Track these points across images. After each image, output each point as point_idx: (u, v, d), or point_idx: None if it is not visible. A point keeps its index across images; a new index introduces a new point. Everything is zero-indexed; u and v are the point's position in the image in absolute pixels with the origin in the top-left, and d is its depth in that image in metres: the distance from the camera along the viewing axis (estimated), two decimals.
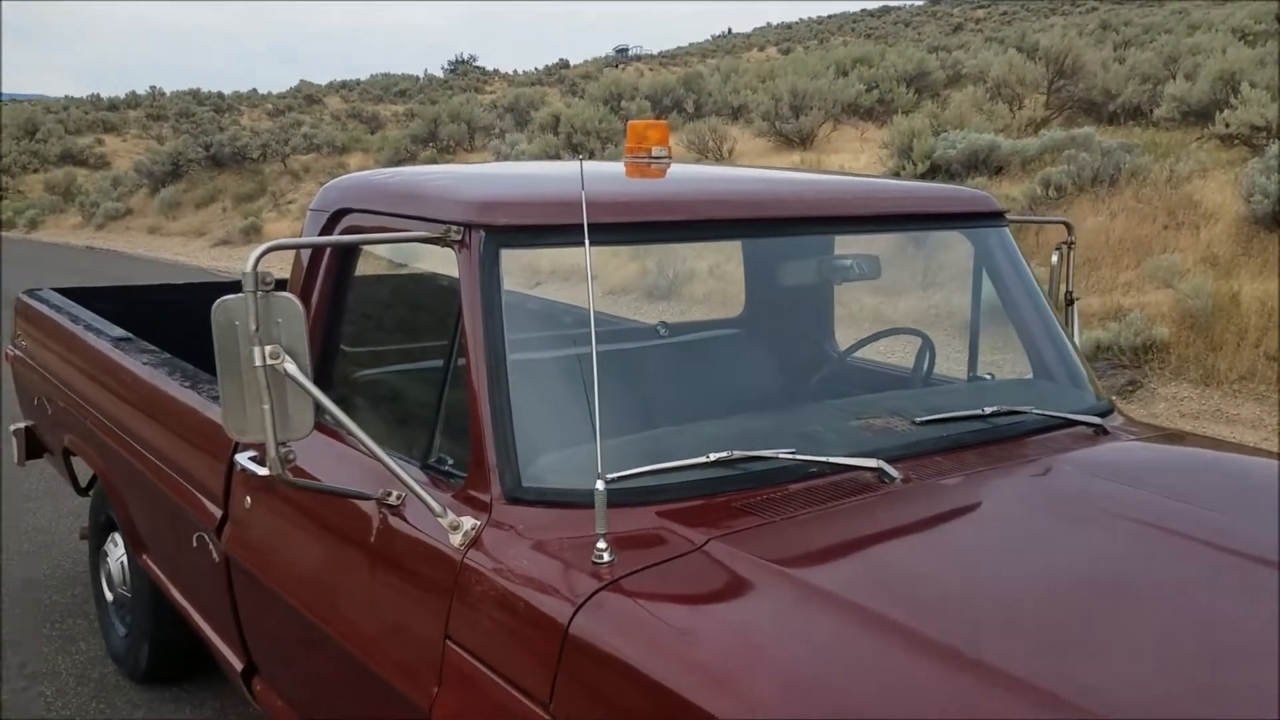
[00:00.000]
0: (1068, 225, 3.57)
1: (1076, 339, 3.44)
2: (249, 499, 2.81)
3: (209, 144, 29.74)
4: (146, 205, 28.30)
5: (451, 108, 27.83)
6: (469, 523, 2.09)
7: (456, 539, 2.09)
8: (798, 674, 1.62)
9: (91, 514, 4.43)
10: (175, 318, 4.43)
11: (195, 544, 3.10)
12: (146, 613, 3.93)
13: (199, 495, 3.09)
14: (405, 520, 2.25)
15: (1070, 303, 3.50)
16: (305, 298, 2.72)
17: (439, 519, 2.10)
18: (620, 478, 2.03)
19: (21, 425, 4.96)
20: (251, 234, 22.65)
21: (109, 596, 4.23)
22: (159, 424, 3.48)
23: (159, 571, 3.64)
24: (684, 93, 27.43)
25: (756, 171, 3.25)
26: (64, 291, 5.00)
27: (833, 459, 2.22)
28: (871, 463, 2.23)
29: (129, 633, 4.11)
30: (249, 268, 2.00)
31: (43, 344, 4.64)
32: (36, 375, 4.65)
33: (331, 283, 2.71)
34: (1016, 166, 14.09)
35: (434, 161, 24.00)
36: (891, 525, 2.09)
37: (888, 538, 2.05)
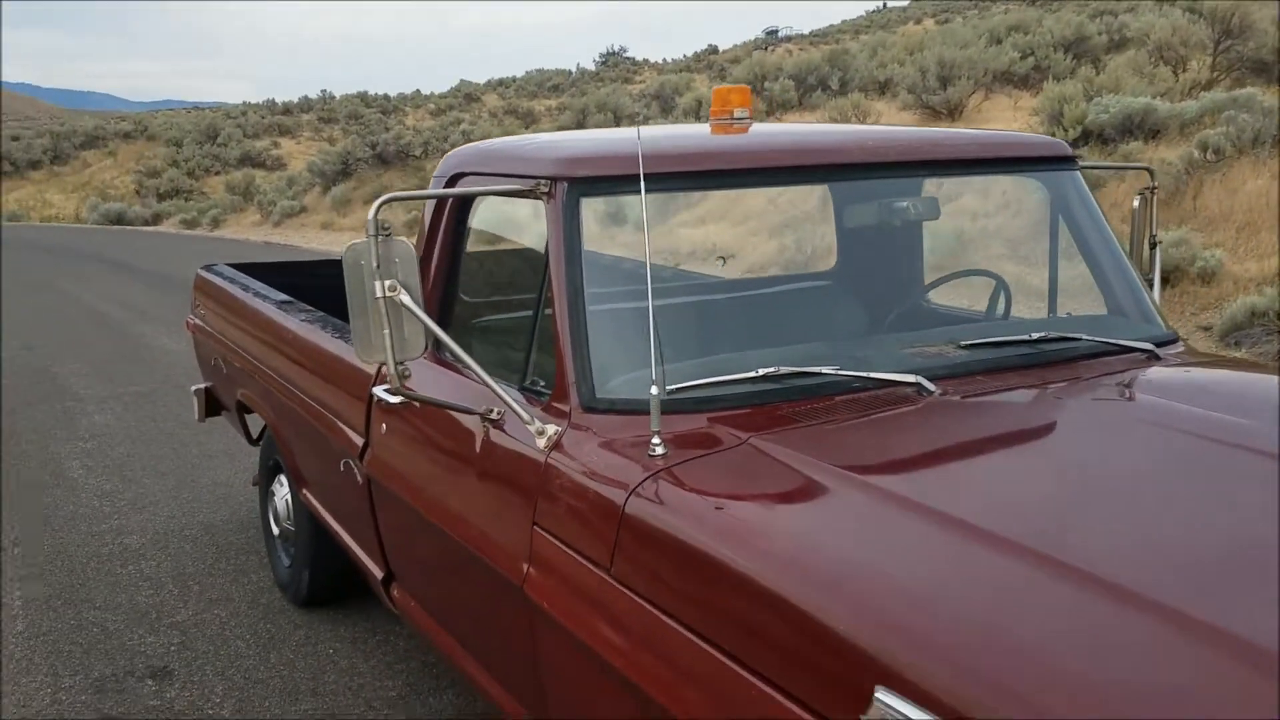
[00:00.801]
0: (1150, 171, 3.68)
1: (1158, 281, 3.57)
2: (384, 425, 3.24)
3: (375, 143, 31.20)
4: (319, 203, 29.90)
5: (599, 99, 28.43)
6: (552, 429, 2.44)
7: (541, 442, 2.44)
8: (809, 533, 1.90)
9: (261, 461, 5.00)
10: (329, 289, 4.94)
11: (343, 470, 3.56)
12: (306, 543, 4.45)
13: (345, 428, 3.55)
14: (504, 431, 2.62)
15: (1154, 246, 3.63)
16: (429, 251, 3.12)
17: (528, 426, 2.46)
18: (676, 389, 2.35)
19: (201, 386, 5.59)
20: (413, 225, 23.75)
21: (275, 531, 4.79)
22: (314, 372, 3.96)
23: (316, 502, 4.13)
24: (829, 70, 27.28)
25: (834, 126, 3.49)
26: (235, 266, 5.61)
27: (872, 374, 2.48)
28: (910, 378, 2.48)
29: (292, 563, 4.65)
30: (370, 216, 2.40)
31: (217, 312, 5.23)
32: (212, 340, 5.25)
33: (450, 237, 3.10)
34: (1174, 130, 13.63)
35: None
36: (920, 428, 2.34)
37: (915, 436, 2.30)
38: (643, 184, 2.36)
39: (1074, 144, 14.85)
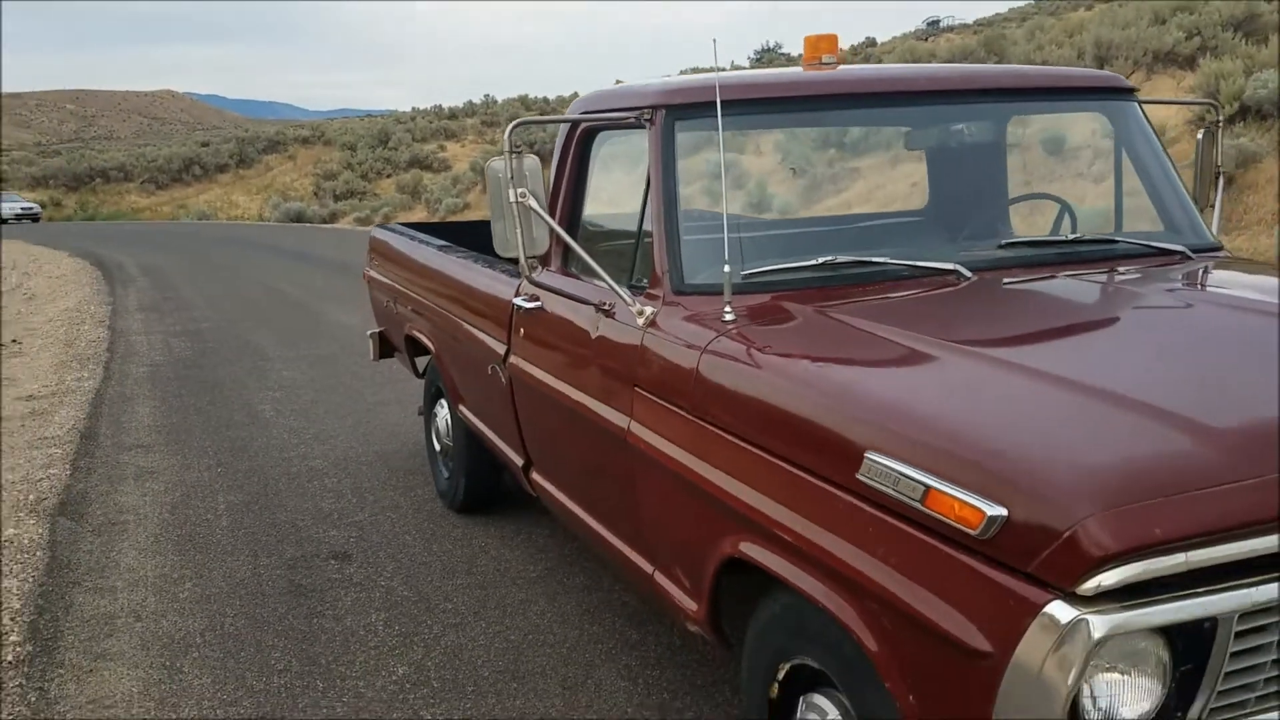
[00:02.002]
0: (1215, 106, 4.02)
1: (1219, 207, 3.90)
2: (522, 330, 3.88)
3: (533, 143, 32.43)
4: (481, 200, 31.31)
5: None
6: (649, 309, 3.01)
7: (640, 321, 3.01)
8: (838, 368, 2.42)
9: (425, 391, 5.74)
10: (477, 245, 5.62)
11: (490, 374, 4.22)
12: (462, 455, 5.14)
13: (490, 338, 4.20)
14: (613, 319, 3.20)
15: (1218, 176, 3.95)
16: (559, 177, 3.74)
17: (630, 309, 3.04)
18: (748, 273, 2.90)
19: (375, 331, 6.39)
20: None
21: (437, 448, 5.51)
22: (466, 299, 4.64)
23: (469, 414, 4.81)
24: (985, 55, 27.00)
25: (911, 65, 3.95)
26: (401, 224, 6.40)
27: (916, 262, 2.96)
28: (949, 265, 2.95)
29: (450, 474, 5.36)
30: (505, 137, 3.02)
31: (388, 262, 6.00)
32: (384, 287, 6.03)
33: (575, 166, 3.71)
34: None
35: None
36: (949, 298, 2.82)
37: (942, 302, 2.79)
38: (719, 105, 2.89)
39: (1230, 120, 14.54)
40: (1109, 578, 1.67)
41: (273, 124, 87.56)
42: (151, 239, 28.50)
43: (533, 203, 3.03)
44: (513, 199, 3.01)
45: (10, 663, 3.90)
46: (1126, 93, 3.69)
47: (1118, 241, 3.25)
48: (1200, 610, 1.70)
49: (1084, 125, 4.12)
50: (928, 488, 1.92)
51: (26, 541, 5.11)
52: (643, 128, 3.22)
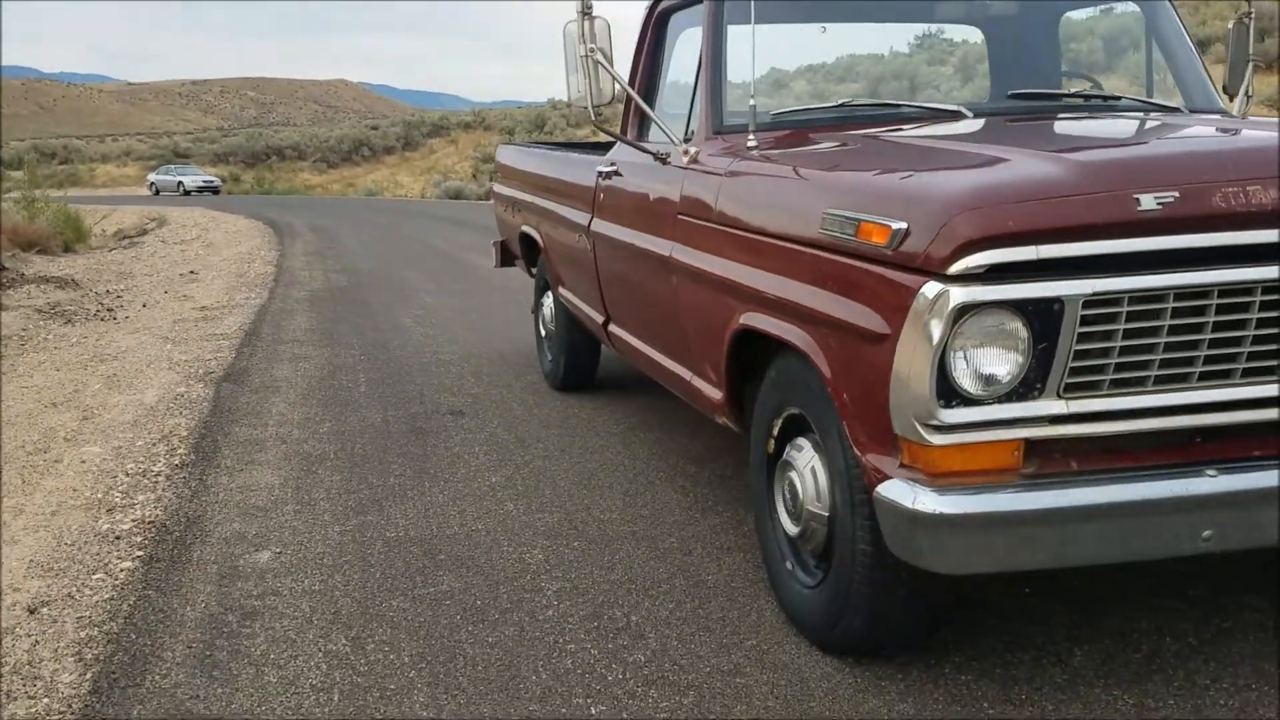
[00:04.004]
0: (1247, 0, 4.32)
1: (1243, 89, 4.22)
2: (601, 196, 4.50)
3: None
4: None
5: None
6: (693, 148, 3.58)
7: (685, 160, 3.59)
8: (816, 165, 2.95)
9: (536, 285, 6.42)
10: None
11: (577, 242, 4.86)
12: (562, 337, 5.80)
13: (579, 213, 4.84)
14: (667, 163, 3.78)
15: (1248, 63, 4.27)
16: (638, 55, 4.32)
17: (677, 148, 3.61)
18: (776, 113, 3.43)
19: (498, 240, 7.12)
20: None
21: (542, 333, 6.20)
22: (563, 188, 5.29)
23: (566, 292, 5.46)
24: (1142, 31, 26.34)
25: None
26: (517, 147, 7.11)
27: (925, 104, 3.45)
28: (953, 106, 3.43)
29: (553, 357, 6.03)
30: (580, 0, 3.61)
31: (508, 176, 6.71)
32: (505, 199, 6.74)
33: (651, 50, 4.30)
34: None
35: None
36: (946, 125, 3.30)
37: (934, 128, 3.27)
38: None
39: None
40: (972, 260, 2.16)
41: (438, 111, 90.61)
42: (320, 208, 30.32)
43: (599, 57, 3.63)
44: (583, 53, 3.61)
45: (178, 465, 4.75)
46: None
47: (1120, 98, 3.65)
48: (1046, 291, 2.17)
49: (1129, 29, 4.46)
50: (859, 221, 2.44)
51: (195, 397, 6.01)
52: (699, 2, 3.78)
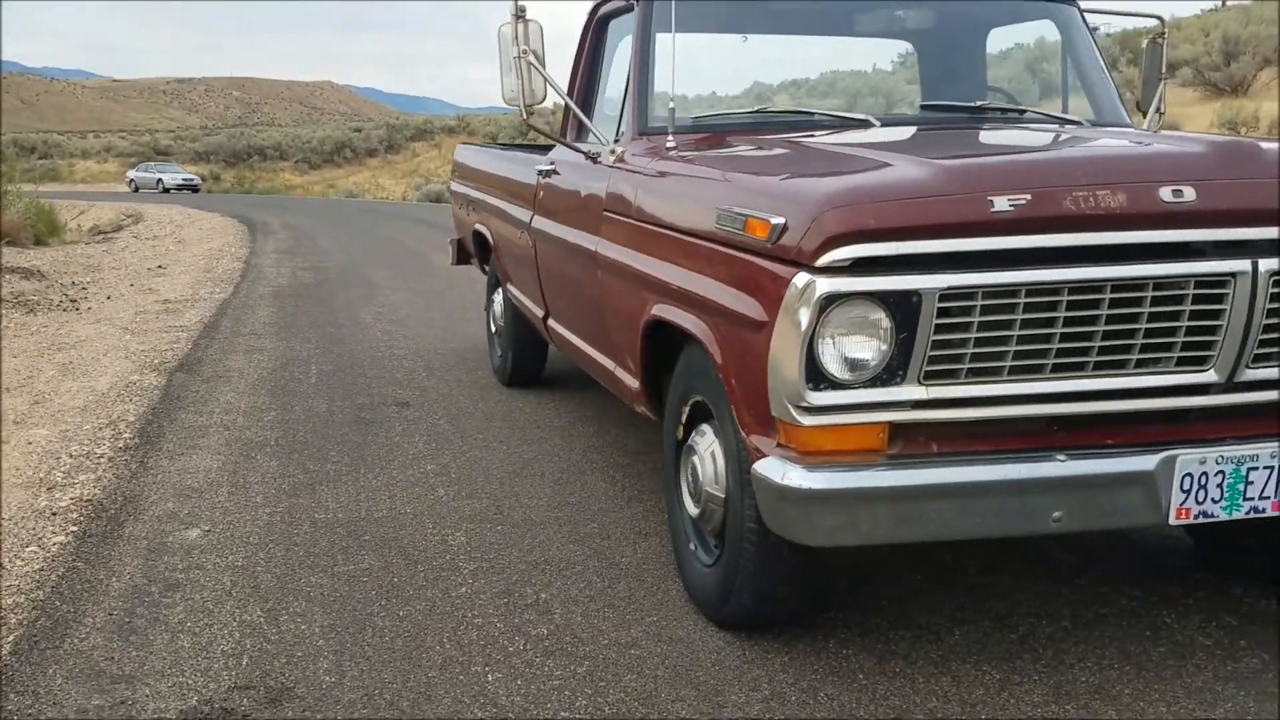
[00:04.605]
0: (1161, 19, 4.52)
1: (1154, 105, 4.40)
2: (540, 194, 4.64)
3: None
4: None
5: None
6: (620, 148, 3.73)
7: (611, 159, 3.73)
8: (719, 164, 3.10)
9: (488, 282, 6.55)
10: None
11: (519, 240, 4.99)
12: (509, 332, 5.93)
13: (522, 210, 4.98)
14: (599, 163, 3.92)
15: (1161, 79, 4.46)
16: (577, 61, 4.47)
17: (605, 148, 3.76)
18: (696, 117, 3.58)
19: (454, 238, 7.25)
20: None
21: (492, 329, 6.33)
22: (509, 186, 5.43)
23: (513, 289, 5.60)
24: (1118, 51, 26.68)
25: None
26: (471, 144, 7.26)
27: (834, 113, 3.60)
28: (861, 116, 3.59)
29: (501, 352, 6.16)
30: (513, 3, 3.75)
31: (464, 176, 6.85)
32: (460, 197, 6.87)
33: (590, 53, 4.44)
34: None
35: None
36: (850, 133, 3.45)
37: (839, 135, 3.43)
38: None
39: None
40: (837, 254, 2.32)
41: (422, 115, 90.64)
42: (298, 207, 30.33)
43: (532, 59, 3.77)
44: (515, 54, 3.76)
45: (122, 448, 4.85)
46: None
47: (1025, 110, 3.82)
48: (905, 284, 2.32)
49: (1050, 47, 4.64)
50: (746, 217, 2.59)
51: (147, 385, 6.11)
52: (631, 9, 3.93)
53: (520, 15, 3.75)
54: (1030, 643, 2.96)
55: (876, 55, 5.17)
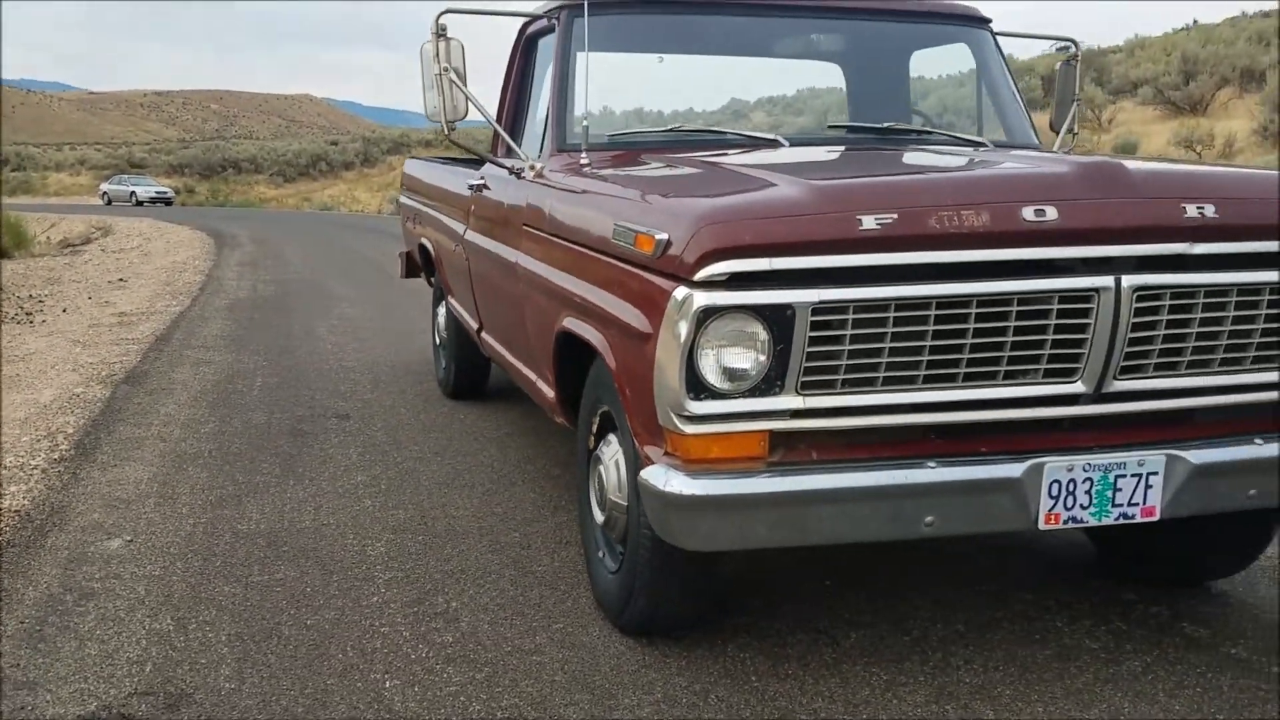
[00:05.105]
0: (1074, 42, 4.64)
1: (1065, 127, 4.51)
2: (473, 207, 4.71)
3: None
4: None
5: None
6: (539, 164, 3.80)
7: (531, 174, 3.81)
8: (622, 182, 3.18)
9: (434, 295, 6.61)
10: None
11: (455, 251, 5.06)
12: (452, 344, 5.99)
13: (458, 224, 5.04)
14: (521, 178, 4.00)
15: (1074, 101, 4.57)
16: (508, 77, 4.54)
17: (525, 163, 3.83)
18: (613, 134, 3.66)
19: (403, 251, 7.30)
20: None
21: (437, 342, 6.38)
22: (447, 198, 5.49)
23: (454, 302, 5.66)
24: (1083, 70, 27.03)
25: None
26: (422, 160, 7.32)
27: (744, 133, 3.69)
28: (771, 135, 3.67)
29: (445, 364, 6.21)
30: (434, 21, 3.82)
31: (411, 189, 6.91)
32: (409, 210, 6.93)
33: (520, 69, 4.52)
34: None
35: None
36: (759, 152, 3.54)
37: (750, 154, 3.51)
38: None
39: None
40: (714, 269, 2.39)
41: (399, 129, 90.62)
42: (270, 220, 30.30)
43: (453, 76, 3.84)
44: (437, 71, 3.82)
45: (56, 460, 4.88)
46: (983, 21, 4.34)
47: (930, 132, 3.92)
48: (779, 298, 2.40)
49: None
50: (636, 232, 2.66)
51: (91, 397, 6.13)
52: (553, 29, 4.01)
53: (441, 33, 3.82)
54: (922, 645, 3.04)
55: (818, 77, 5.27)
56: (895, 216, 2.42)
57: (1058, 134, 4.50)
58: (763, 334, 2.44)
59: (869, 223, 2.41)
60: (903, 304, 2.45)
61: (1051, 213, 2.46)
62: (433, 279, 6.62)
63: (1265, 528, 3.29)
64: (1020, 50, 33.16)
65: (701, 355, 2.44)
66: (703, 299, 2.39)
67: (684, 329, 2.41)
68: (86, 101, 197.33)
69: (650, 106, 4.64)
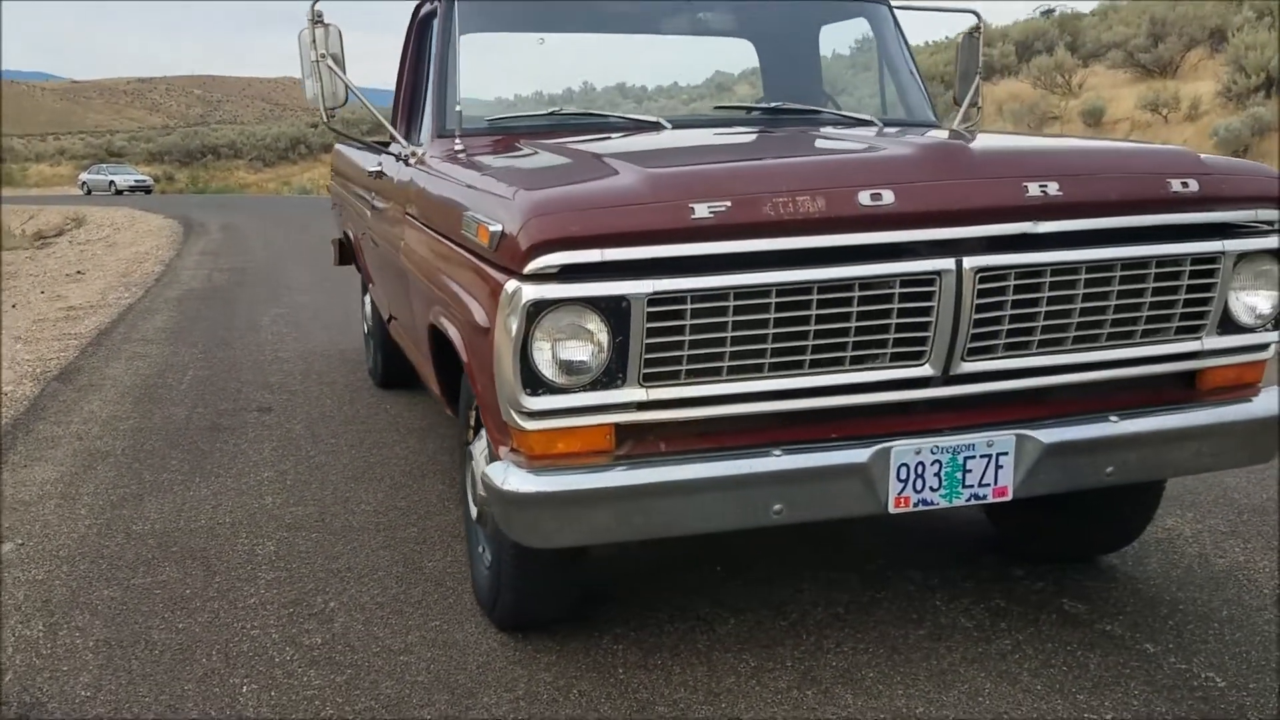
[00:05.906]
0: (977, 14, 4.56)
1: (968, 99, 4.44)
2: (374, 191, 4.64)
3: None
4: None
5: None
6: (421, 150, 3.73)
7: (413, 161, 3.74)
8: (480, 169, 3.11)
9: (362, 281, 6.54)
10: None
11: (364, 239, 4.99)
12: (376, 333, 5.93)
13: (365, 209, 4.97)
14: (406, 163, 3.92)
15: (977, 73, 4.50)
16: (403, 61, 4.46)
17: (407, 149, 3.76)
18: (491, 118, 3.59)
19: (337, 237, 7.22)
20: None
21: (364, 329, 6.32)
22: (355, 178, 5.41)
23: (373, 289, 5.59)
24: (1057, 34, 26.86)
25: None
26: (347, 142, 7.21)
27: (627, 115, 3.62)
28: (653, 118, 3.60)
29: (373, 352, 6.15)
30: (309, 7, 3.74)
31: (338, 173, 6.82)
32: (336, 195, 6.85)
33: (414, 51, 4.43)
34: None
35: None
36: (638, 135, 3.46)
37: (627, 138, 3.44)
38: None
39: (1255, 90, 14.59)
40: (543, 261, 2.33)
41: (384, 108, 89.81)
42: (244, 207, 30.08)
43: (330, 63, 3.76)
44: (314, 58, 3.74)
45: None
46: None
47: (820, 112, 3.86)
48: (612, 290, 2.33)
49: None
50: (479, 222, 2.60)
51: (19, 395, 6.07)
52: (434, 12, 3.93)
53: (318, 20, 3.74)
54: (798, 629, 3.01)
55: (723, 56, 5.19)
56: (729, 204, 2.36)
57: (959, 106, 4.42)
58: (600, 326, 2.38)
59: (702, 211, 2.35)
60: (742, 292, 2.39)
61: (889, 196, 2.40)
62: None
63: (1149, 502, 3.26)
64: (996, 16, 32.92)
65: (536, 349, 2.39)
66: (532, 292, 2.33)
67: (514, 323, 2.35)
68: (69, 90, 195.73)
69: (551, 89, 4.58)
